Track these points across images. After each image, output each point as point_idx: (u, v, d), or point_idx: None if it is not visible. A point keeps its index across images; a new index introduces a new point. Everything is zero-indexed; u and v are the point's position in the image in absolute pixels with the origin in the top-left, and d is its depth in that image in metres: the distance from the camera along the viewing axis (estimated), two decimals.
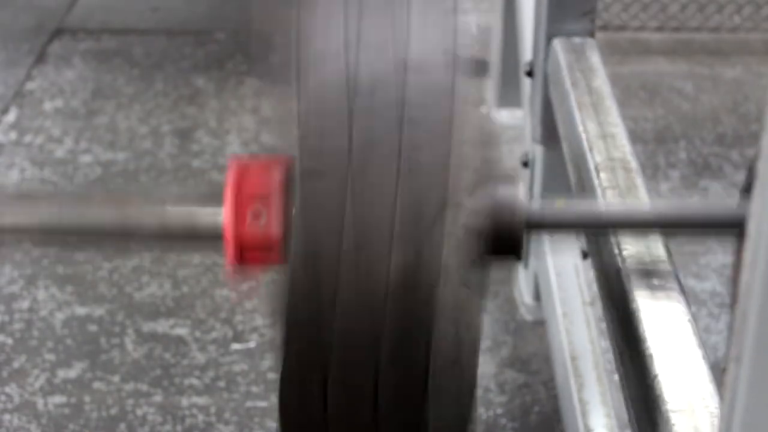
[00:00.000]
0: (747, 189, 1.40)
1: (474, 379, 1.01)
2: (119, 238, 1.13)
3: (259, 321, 2.02)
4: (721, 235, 1.18)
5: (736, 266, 1.60)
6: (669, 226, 1.15)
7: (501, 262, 1.11)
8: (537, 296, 2.01)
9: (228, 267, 1.07)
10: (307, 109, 0.94)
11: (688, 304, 1.11)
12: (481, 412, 1.85)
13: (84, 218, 1.12)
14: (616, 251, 1.18)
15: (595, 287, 1.71)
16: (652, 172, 2.45)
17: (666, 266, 1.15)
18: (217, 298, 2.08)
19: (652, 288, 1.11)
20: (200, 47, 3.02)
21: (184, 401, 1.86)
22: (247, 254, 1.06)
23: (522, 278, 2.08)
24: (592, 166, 1.35)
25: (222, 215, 1.05)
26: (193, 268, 2.15)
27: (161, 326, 2.02)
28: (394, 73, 0.94)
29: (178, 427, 1.82)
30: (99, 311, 2.05)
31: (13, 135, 2.61)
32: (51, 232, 1.13)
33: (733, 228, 1.13)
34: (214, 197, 1.08)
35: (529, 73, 1.86)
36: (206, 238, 1.09)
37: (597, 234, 1.28)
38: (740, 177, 2.44)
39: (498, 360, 1.95)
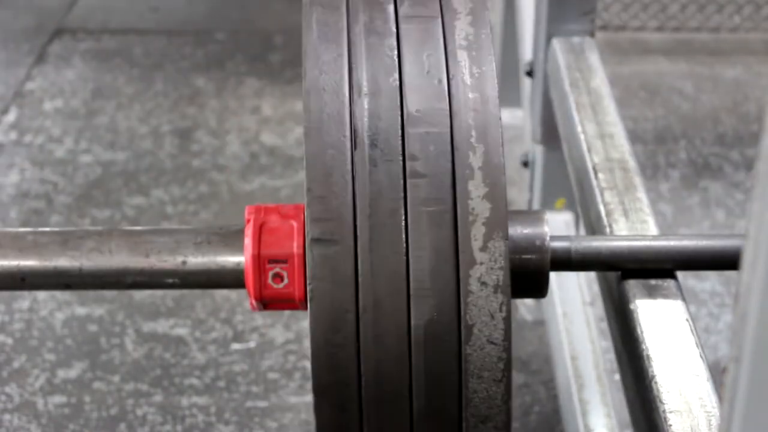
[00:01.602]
0: None
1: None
2: (139, 287, 1.13)
3: (259, 321, 2.02)
4: None
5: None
6: (695, 265, 1.14)
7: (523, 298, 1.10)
8: None
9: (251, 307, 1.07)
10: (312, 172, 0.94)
11: (687, 304, 1.11)
12: None
13: (103, 270, 1.11)
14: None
15: (595, 287, 1.71)
16: (652, 172, 2.45)
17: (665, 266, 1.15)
18: (217, 298, 2.08)
19: (650, 289, 1.11)
20: (200, 47, 3.02)
21: (184, 401, 1.86)
22: (269, 305, 1.06)
23: None
24: (590, 167, 1.35)
25: (243, 263, 1.06)
26: None
27: (161, 326, 2.02)
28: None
29: (178, 427, 1.82)
30: (99, 311, 2.05)
31: (13, 135, 2.61)
32: (69, 285, 1.12)
33: None
34: (235, 243, 1.09)
35: (529, 73, 1.86)
36: (228, 285, 1.10)
37: (599, 229, 1.28)
38: (740, 177, 2.44)
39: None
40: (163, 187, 2.41)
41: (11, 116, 2.69)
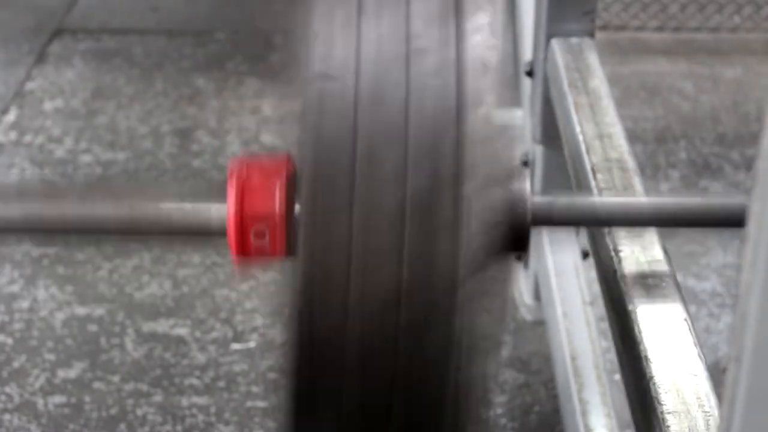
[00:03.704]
0: None
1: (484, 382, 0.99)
2: (121, 235, 1.14)
3: (259, 321, 2.02)
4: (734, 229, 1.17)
5: None
6: (674, 222, 1.15)
7: (505, 256, 1.11)
8: (537, 296, 2.01)
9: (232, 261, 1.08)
10: (311, 112, 0.94)
11: (686, 304, 1.11)
12: (481, 412, 1.85)
13: (85, 215, 1.12)
14: (614, 252, 1.18)
15: (595, 287, 1.71)
16: (652, 172, 2.45)
17: (663, 266, 1.15)
18: (217, 298, 2.08)
19: (648, 288, 1.11)
20: (200, 47, 3.02)
21: (184, 401, 1.86)
22: (251, 259, 1.07)
23: (522, 278, 2.08)
24: (589, 167, 1.35)
25: (225, 212, 1.07)
26: (193, 268, 2.15)
27: (161, 326, 2.02)
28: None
29: (178, 427, 1.82)
30: (99, 311, 2.05)
31: (13, 135, 2.61)
32: (52, 230, 1.14)
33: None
34: (217, 192, 1.09)
35: (529, 73, 1.86)
36: (210, 234, 1.10)
37: (598, 231, 1.28)
38: (740, 177, 2.44)
39: (498, 360, 1.95)
40: (162, 184, 2.41)
41: (11, 116, 2.69)
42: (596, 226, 1.18)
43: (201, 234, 1.13)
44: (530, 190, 1.07)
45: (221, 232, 1.08)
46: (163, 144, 2.57)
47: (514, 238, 1.07)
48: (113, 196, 1.12)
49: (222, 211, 1.08)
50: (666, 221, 1.15)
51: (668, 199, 1.16)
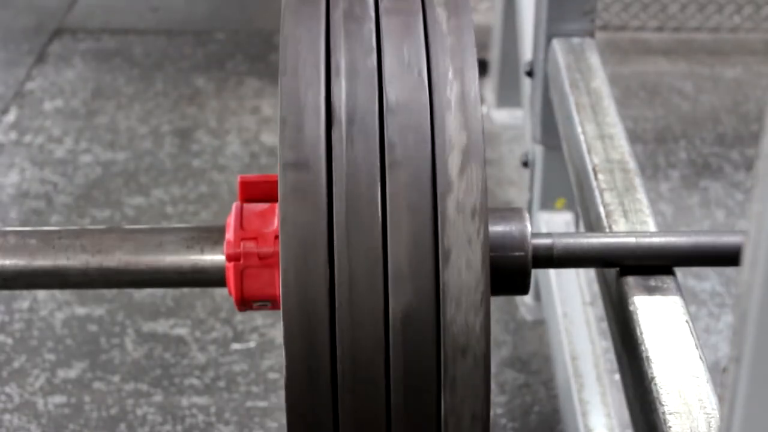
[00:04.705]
0: None
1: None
2: (123, 285, 1.16)
3: (259, 321, 2.02)
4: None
5: None
6: (683, 260, 1.14)
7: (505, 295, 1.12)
8: (537, 296, 2.01)
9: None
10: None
11: (686, 304, 1.11)
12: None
13: (86, 269, 1.13)
14: None
15: (595, 287, 1.71)
16: (652, 172, 2.45)
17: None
18: (217, 298, 2.08)
19: (649, 289, 1.11)
20: (200, 47, 3.02)
21: (184, 401, 1.86)
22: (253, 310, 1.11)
23: None
24: (590, 168, 1.35)
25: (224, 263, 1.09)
26: None
27: (161, 326, 2.02)
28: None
29: (178, 427, 1.82)
30: (99, 311, 2.05)
31: (13, 135, 2.61)
32: (54, 286, 1.16)
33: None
34: (216, 236, 1.11)
35: (529, 73, 1.86)
36: (213, 282, 1.12)
37: (597, 227, 1.28)
38: (740, 177, 2.44)
39: (498, 360, 1.95)
40: (163, 187, 2.41)
41: (11, 116, 2.69)
42: (602, 266, 1.18)
43: (201, 285, 1.15)
44: (530, 230, 1.06)
45: (221, 282, 1.10)
46: (163, 144, 2.57)
47: (516, 281, 1.07)
48: (118, 245, 1.13)
49: (221, 262, 1.10)
50: (679, 259, 1.13)
51: (680, 235, 1.14)
